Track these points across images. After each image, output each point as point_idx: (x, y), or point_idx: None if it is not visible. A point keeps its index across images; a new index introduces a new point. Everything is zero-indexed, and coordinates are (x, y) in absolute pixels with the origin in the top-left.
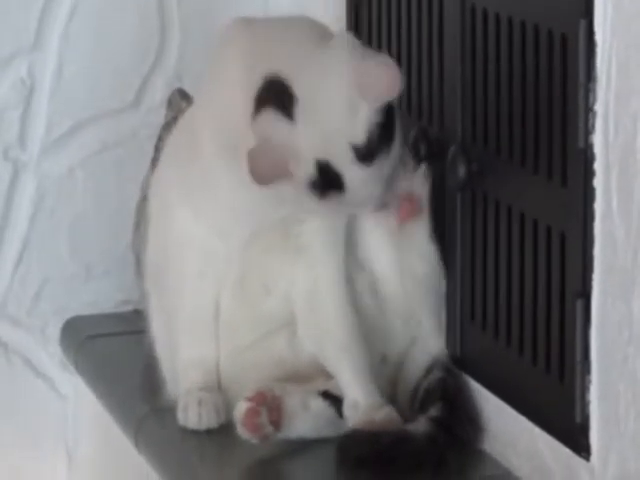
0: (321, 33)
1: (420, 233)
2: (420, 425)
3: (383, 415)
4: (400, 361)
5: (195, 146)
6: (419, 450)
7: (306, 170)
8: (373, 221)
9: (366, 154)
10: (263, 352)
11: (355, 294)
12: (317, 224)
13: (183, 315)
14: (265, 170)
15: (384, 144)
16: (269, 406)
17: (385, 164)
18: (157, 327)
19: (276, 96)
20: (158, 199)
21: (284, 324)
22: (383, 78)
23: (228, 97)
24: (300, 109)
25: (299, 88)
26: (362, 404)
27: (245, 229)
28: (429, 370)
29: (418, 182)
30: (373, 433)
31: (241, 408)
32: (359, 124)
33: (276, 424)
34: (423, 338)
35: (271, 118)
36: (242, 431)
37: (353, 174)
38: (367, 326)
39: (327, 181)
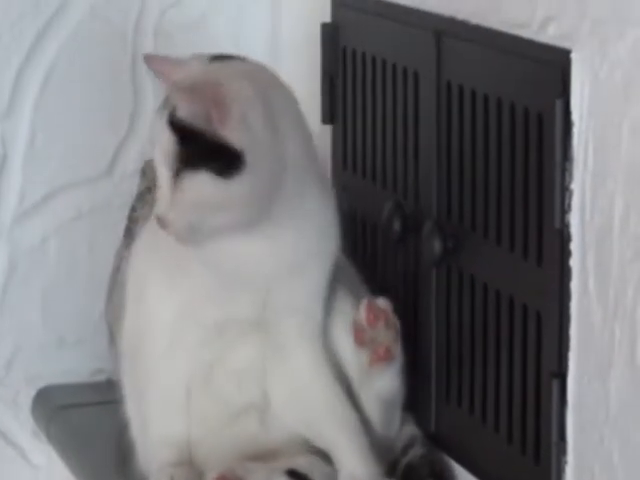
0: None
1: (386, 377)
2: None
3: None
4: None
5: None
6: None
7: None
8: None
9: None
10: (234, 432)
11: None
12: (295, 321)
13: (153, 394)
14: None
15: None
16: None
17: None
18: (130, 405)
19: None
20: (134, 282)
21: (253, 406)
22: None
23: None
24: None
25: None
26: (360, 476)
27: (212, 317)
28: (407, 447)
29: (394, 336)
30: None
31: None
32: None
33: None
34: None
35: None
36: None
37: None
38: None
39: None
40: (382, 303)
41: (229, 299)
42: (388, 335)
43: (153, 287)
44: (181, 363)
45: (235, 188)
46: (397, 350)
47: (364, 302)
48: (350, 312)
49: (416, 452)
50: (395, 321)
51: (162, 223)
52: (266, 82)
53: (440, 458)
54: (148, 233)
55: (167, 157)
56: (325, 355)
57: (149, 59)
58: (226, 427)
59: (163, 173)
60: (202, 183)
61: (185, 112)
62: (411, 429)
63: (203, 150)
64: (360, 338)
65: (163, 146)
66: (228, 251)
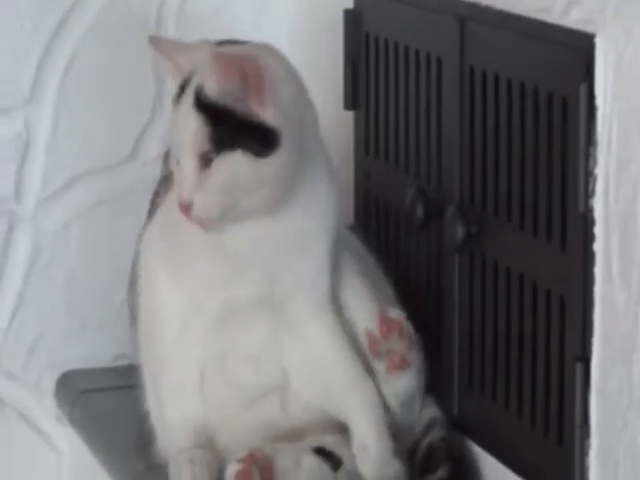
0: None
1: (403, 380)
2: None
3: (392, 473)
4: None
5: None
6: None
7: None
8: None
9: None
10: (254, 417)
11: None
12: (302, 295)
13: (167, 380)
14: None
15: None
16: (260, 466)
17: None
18: (148, 391)
19: None
20: (145, 275)
21: (272, 389)
22: None
23: None
24: None
25: None
26: (372, 450)
27: (220, 299)
28: (428, 428)
29: (408, 344)
30: None
31: (232, 470)
32: None
33: None
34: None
35: None
36: None
37: None
38: None
39: None
40: (395, 314)
41: (235, 281)
42: (402, 344)
43: (161, 278)
44: (193, 350)
45: (269, 167)
46: (413, 357)
47: (377, 314)
48: (367, 299)
49: (436, 434)
50: (409, 330)
51: (186, 209)
52: (286, 61)
53: (460, 441)
54: (155, 226)
55: (194, 140)
56: (339, 328)
57: (154, 41)
58: (246, 412)
59: (187, 157)
60: (237, 164)
61: (218, 89)
62: (432, 411)
63: (237, 129)
64: (375, 349)
65: (189, 130)
66: (233, 232)
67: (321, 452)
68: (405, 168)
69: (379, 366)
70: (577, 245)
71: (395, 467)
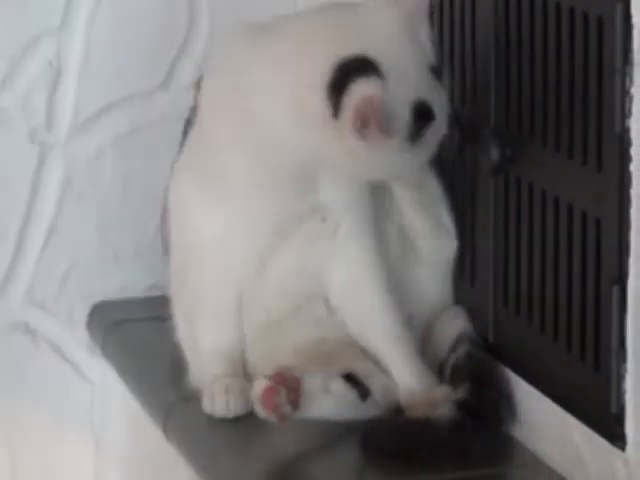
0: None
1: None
2: (444, 410)
3: (441, 394)
4: (427, 325)
5: (210, 139)
6: (442, 439)
7: (402, 121)
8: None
9: (438, 71)
10: (290, 332)
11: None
12: (342, 206)
13: (205, 306)
14: (375, 130)
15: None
16: (288, 386)
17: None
18: (180, 319)
19: (360, 66)
20: (176, 204)
21: (314, 295)
22: None
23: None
24: (384, 68)
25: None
26: (418, 390)
27: (264, 227)
28: (455, 345)
29: None
30: (397, 422)
31: (259, 386)
32: (427, 46)
33: (294, 404)
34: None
35: (368, 84)
36: (260, 409)
37: (438, 97)
38: (395, 280)
39: (420, 121)
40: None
41: (281, 203)
42: None
43: (195, 206)
44: (231, 277)
45: None
46: None
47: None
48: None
49: (461, 351)
50: None
51: None
52: None
53: (483, 359)
54: (187, 154)
55: None
56: (379, 253)
57: None
58: (282, 326)
59: None
60: None
61: None
62: (461, 325)
63: None
64: None
65: None
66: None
67: (350, 379)
68: None
69: None
70: (613, 166)
71: (442, 391)
